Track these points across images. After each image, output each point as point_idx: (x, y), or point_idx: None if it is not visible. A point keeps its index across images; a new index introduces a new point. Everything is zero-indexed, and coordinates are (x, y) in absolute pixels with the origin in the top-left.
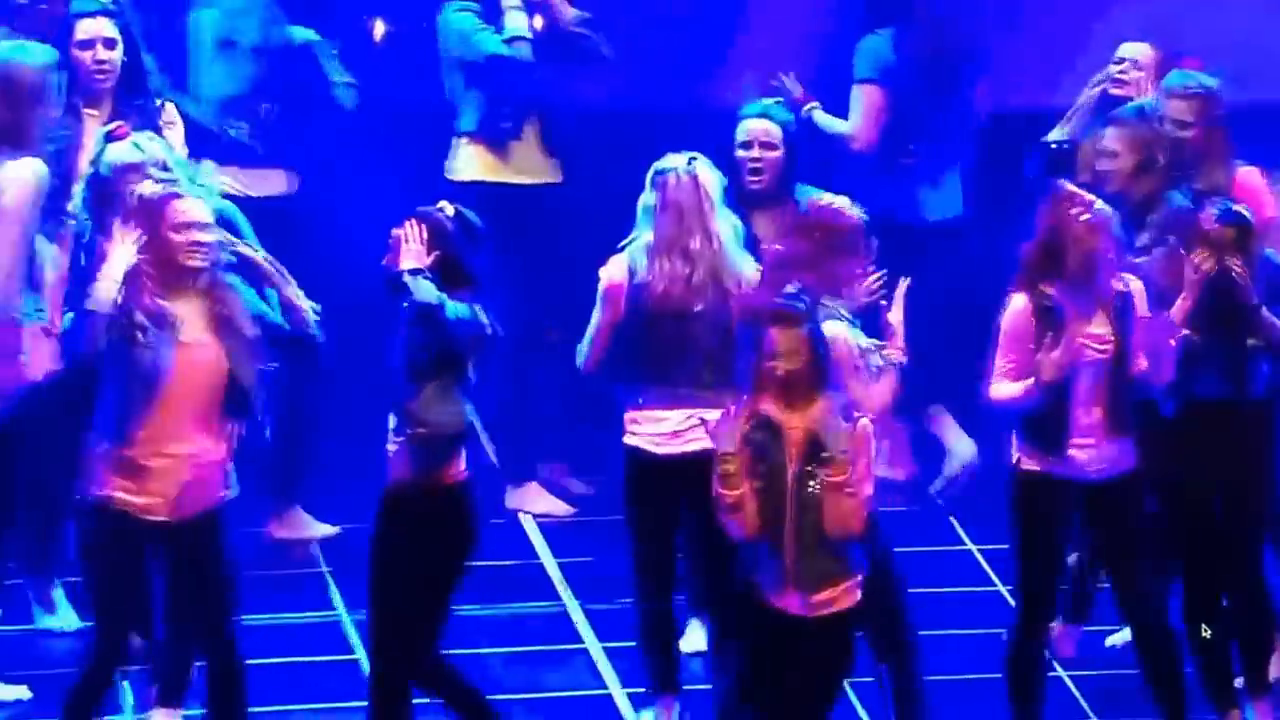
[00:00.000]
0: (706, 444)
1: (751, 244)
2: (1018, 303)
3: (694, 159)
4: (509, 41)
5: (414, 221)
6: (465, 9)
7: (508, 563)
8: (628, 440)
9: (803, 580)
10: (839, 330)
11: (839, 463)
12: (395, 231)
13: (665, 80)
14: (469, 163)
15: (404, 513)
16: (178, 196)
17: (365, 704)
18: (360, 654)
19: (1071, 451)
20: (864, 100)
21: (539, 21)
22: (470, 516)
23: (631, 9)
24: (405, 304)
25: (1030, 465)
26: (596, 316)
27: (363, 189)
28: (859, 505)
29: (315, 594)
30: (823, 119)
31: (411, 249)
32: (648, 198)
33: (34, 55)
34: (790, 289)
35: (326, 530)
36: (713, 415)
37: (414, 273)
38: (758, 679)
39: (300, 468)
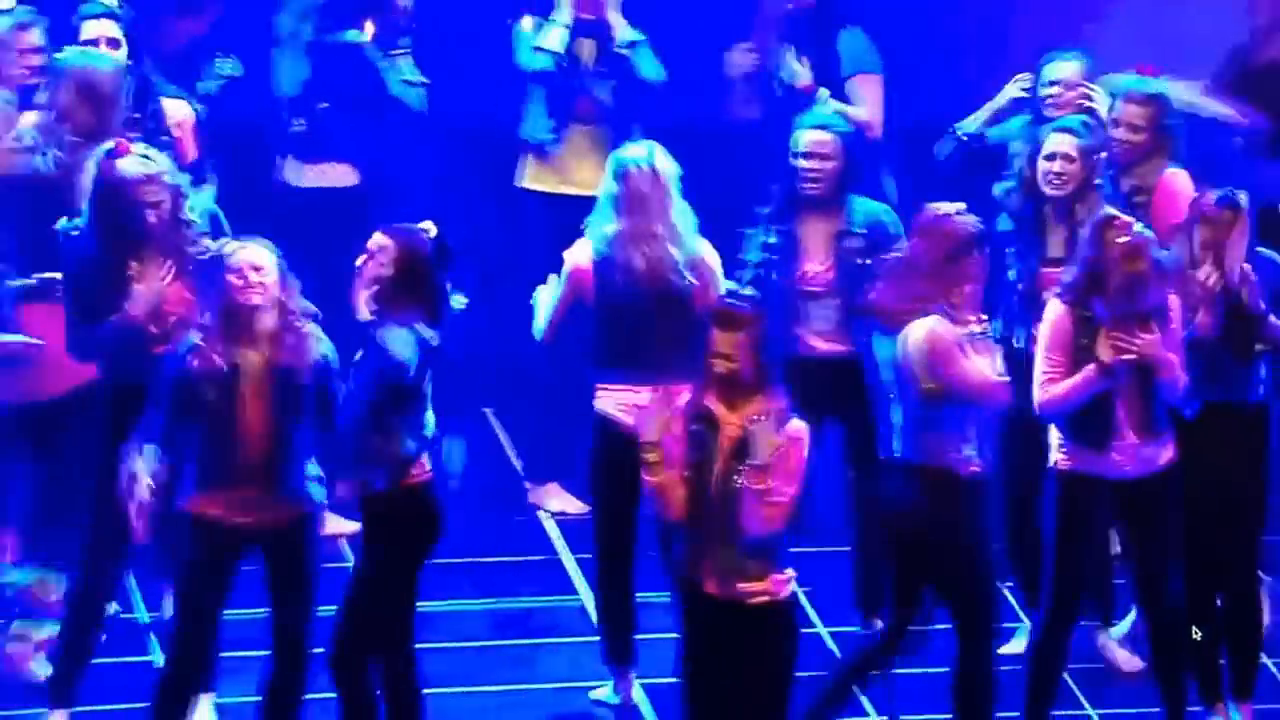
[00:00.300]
0: None
1: (795, 246)
2: (1056, 308)
3: (653, 149)
4: (534, 51)
5: (386, 235)
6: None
7: (529, 558)
8: (597, 406)
9: (721, 570)
10: (928, 324)
11: (760, 470)
12: (372, 243)
13: (714, 98)
14: (522, 169)
15: (376, 516)
16: (241, 247)
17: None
18: None
19: (1109, 452)
20: (874, 90)
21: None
22: (436, 515)
23: (680, 29)
24: (379, 353)
25: (1070, 465)
26: (556, 294)
27: (433, 186)
28: (779, 509)
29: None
30: (836, 106)
31: (382, 264)
32: (610, 187)
33: (106, 59)
34: (745, 291)
35: (353, 527)
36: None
37: (398, 324)
38: (694, 662)
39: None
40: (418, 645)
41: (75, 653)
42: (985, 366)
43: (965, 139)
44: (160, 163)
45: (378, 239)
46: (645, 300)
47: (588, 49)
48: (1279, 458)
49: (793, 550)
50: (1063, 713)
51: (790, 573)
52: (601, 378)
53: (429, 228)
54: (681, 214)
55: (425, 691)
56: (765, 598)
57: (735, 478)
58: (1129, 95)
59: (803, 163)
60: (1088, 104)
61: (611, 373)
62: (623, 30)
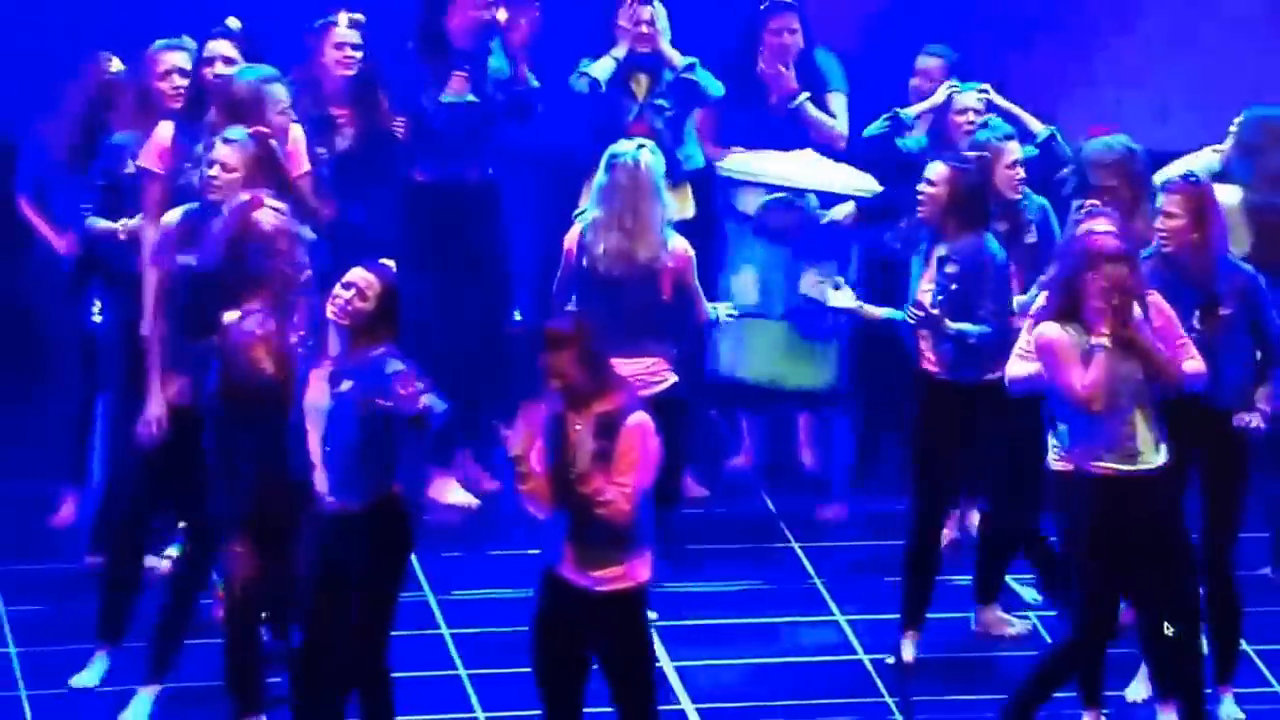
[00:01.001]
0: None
1: (923, 268)
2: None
3: (642, 146)
4: (579, 76)
5: (370, 272)
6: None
7: None
8: None
9: (582, 559)
10: (1042, 328)
11: (584, 475)
12: (358, 278)
13: None
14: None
15: (354, 531)
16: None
17: (445, 671)
18: (445, 631)
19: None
20: (842, 107)
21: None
22: (408, 523)
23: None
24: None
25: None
26: (560, 272)
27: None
28: (616, 504)
29: None
30: (815, 112)
31: (365, 298)
32: (599, 176)
33: (264, 70)
34: (569, 310)
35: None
36: (628, 369)
37: (390, 355)
38: (548, 648)
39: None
40: (472, 630)
41: (172, 629)
42: (1084, 375)
43: (895, 121)
44: (287, 212)
45: (362, 274)
46: (607, 281)
47: (643, 81)
48: (1260, 455)
49: (807, 545)
50: (1070, 694)
51: (647, 558)
52: None
53: (390, 264)
54: (657, 208)
55: (474, 673)
56: (624, 584)
57: (579, 478)
58: (1093, 160)
59: (919, 185)
60: (988, 98)
61: None
62: (677, 58)
